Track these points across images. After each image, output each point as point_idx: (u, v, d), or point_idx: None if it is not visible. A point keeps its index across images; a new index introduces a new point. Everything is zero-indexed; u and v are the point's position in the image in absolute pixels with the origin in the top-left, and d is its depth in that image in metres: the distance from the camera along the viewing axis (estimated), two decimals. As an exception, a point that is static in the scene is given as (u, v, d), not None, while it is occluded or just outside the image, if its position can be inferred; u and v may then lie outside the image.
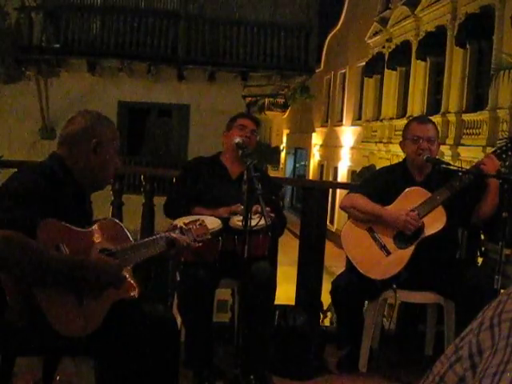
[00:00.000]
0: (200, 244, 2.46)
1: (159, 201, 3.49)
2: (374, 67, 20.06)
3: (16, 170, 2.23)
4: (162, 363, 2.14)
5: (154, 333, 2.12)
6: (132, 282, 2.16)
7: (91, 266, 1.97)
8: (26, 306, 1.89)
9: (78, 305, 1.96)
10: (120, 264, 2.07)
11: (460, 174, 3.15)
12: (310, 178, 27.29)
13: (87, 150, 2.16)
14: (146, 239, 2.28)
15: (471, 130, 14.14)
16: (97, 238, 2.13)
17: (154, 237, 2.31)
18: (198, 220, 2.51)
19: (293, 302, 3.87)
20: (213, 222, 2.78)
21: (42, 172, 2.10)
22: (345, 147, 23.59)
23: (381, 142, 19.26)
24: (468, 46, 14.47)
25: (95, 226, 2.17)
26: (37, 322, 1.89)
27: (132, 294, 2.14)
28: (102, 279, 1.99)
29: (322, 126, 27.29)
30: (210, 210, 3.04)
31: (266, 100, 24.47)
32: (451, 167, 3.28)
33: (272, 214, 2.61)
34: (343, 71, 24.58)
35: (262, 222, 2.53)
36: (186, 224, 2.45)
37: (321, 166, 27.37)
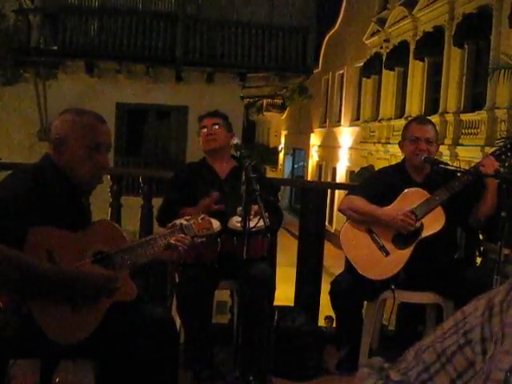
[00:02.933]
0: (203, 239, 2.41)
1: (158, 202, 3.48)
2: (372, 67, 20.09)
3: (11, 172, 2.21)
4: (161, 365, 2.14)
5: (153, 334, 2.11)
6: (130, 283, 2.14)
7: (81, 279, 1.95)
8: (18, 314, 1.88)
9: (70, 312, 1.94)
10: (113, 275, 2.03)
11: (459, 174, 3.15)
12: (309, 178, 27.30)
13: (54, 149, 2.12)
14: (143, 239, 2.26)
15: (469, 130, 14.15)
16: (92, 241, 2.10)
17: (151, 237, 2.28)
18: (200, 214, 2.47)
19: (292, 303, 3.86)
20: (212, 224, 2.77)
21: (32, 174, 2.08)
22: (343, 148, 23.60)
23: (379, 143, 19.27)
24: (466, 46, 14.48)
25: (90, 228, 2.15)
26: (30, 329, 1.88)
27: (129, 296, 2.12)
28: (92, 291, 1.97)
29: (320, 127, 27.30)
30: (192, 208, 3.02)
31: (264, 101, 24.52)
32: (450, 167, 3.28)
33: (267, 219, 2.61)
34: (341, 72, 24.59)
35: (261, 223, 2.53)
36: (187, 220, 2.41)
37: (319, 166, 27.37)
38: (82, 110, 2.20)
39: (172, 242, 2.29)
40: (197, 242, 2.37)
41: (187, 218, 2.44)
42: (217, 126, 3.28)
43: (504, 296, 0.90)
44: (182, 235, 2.34)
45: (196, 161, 3.48)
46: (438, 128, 3.47)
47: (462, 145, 14.18)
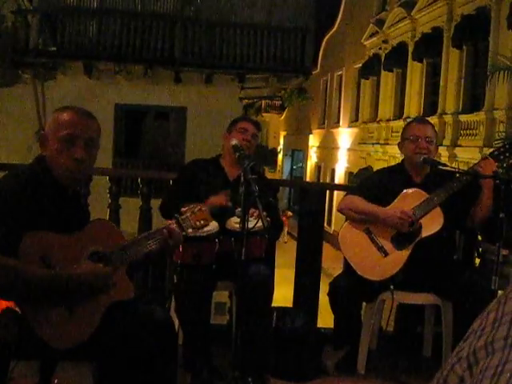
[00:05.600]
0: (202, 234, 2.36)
1: (156, 203, 3.48)
2: (371, 69, 20.10)
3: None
4: (160, 366, 2.14)
5: (152, 335, 2.11)
6: (127, 282, 2.13)
7: (76, 280, 1.93)
8: (13, 320, 1.87)
9: (67, 315, 1.93)
10: (108, 271, 2.02)
11: (457, 175, 3.16)
12: (307, 179, 27.30)
13: (40, 146, 2.15)
14: (139, 236, 2.25)
15: (468, 131, 14.16)
16: (88, 241, 2.08)
17: (147, 233, 2.26)
18: (196, 206, 2.39)
19: (290, 304, 3.86)
20: (210, 225, 2.77)
21: (23, 177, 2.07)
22: (342, 149, 23.61)
23: (378, 144, 19.28)
24: (464, 47, 14.50)
25: (86, 229, 2.13)
26: (26, 335, 1.87)
27: (127, 295, 2.11)
28: (88, 289, 1.96)
29: (318, 128, 27.31)
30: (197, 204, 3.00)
31: (263, 102, 24.49)
32: (448, 168, 3.29)
33: (268, 218, 2.60)
34: (340, 73, 24.61)
35: (260, 224, 2.53)
36: (182, 212, 2.35)
37: (318, 167, 27.38)
38: (70, 106, 2.21)
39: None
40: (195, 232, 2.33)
41: (183, 209, 2.38)
42: (255, 137, 3.31)
43: (494, 315, 0.91)
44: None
45: (207, 158, 3.46)
46: (436, 129, 3.47)
47: (461, 146, 14.19)
